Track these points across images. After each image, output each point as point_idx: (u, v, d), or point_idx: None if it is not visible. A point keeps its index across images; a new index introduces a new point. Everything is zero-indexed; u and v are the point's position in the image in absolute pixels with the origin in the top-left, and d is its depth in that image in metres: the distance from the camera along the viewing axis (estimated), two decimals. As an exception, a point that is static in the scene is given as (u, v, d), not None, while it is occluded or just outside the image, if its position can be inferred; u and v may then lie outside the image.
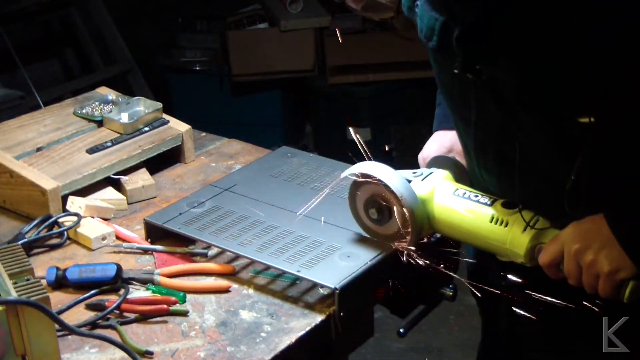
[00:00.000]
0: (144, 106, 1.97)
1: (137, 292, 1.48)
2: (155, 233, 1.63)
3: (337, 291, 1.38)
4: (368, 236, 1.52)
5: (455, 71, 1.29)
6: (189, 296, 1.46)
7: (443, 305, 1.64)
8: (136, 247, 1.61)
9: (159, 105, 1.98)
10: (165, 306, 1.41)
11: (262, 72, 4.26)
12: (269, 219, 1.60)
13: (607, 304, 1.39)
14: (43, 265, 1.55)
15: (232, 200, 1.68)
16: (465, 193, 1.44)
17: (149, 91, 4.06)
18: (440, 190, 1.46)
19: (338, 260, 1.47)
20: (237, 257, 1.55)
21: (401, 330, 1.55)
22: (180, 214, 1.63)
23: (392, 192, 1.43)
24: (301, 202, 1.64)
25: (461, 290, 1.60)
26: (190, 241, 1.61)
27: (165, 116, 1.98)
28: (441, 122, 1.66)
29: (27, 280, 1.26)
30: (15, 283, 1.25)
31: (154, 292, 1.47)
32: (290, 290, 1.48)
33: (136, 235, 1.65)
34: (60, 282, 1.49)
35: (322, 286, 1.44)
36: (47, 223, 1.65)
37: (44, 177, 1.72)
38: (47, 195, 1.68)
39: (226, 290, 1.48)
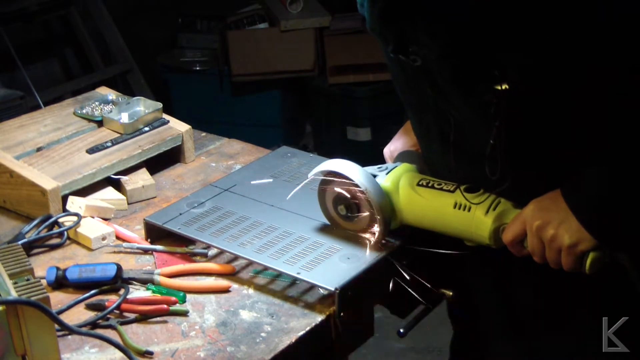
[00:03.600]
0: (144, 106, 1.97)
1: (137, 292, 1.48)
2: (155, 233, 1.63)
3: (337, 291, 1.38)
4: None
5: (391, 55, 1.37)
6: (189, 296, 1.46)
7: (443, 305, 1.64)
8: (136, 247, 1.61)
9: (159, 105, 1.98)
10: (165, 306, 1.41)
11: (262, 72, 4.26)
12: (268, 219, 1.60)
13: (607, 304, 1.40)
14: (43, 265, 1.55)
15: (232, 200, 1.68)
16: (429, 182, 1.48)
17: (149, 91, 4.06)
18: (405, 182, 1.50)
19: (338, 262, 1.47)
20: (237, 257, 1.55)
21: (401, 330, 1.56)
22: (180, 214, 1.63)
23: (357, 186, 1.47)
24: (301, 203, 1.64)
25: (461, 290, 1.60)
26: (190, 241, 1.61)
27: (165, 116, 1.98)
28: None
29: (27, 280, 1.26)
30: (15, 283, 1.25)
31: (154, 292, 1.47)
32: (290, 290, 1.48)
33: (136, 235, 1.65)
34: (60, 282, 1.49)
35: (323, 289, 1.44)
36: (47, 223, 1.65)
37: (44, 177, 1.72)
38: (47, 195, 1.68)
39: (226, 290, 1.48)
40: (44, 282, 1.44)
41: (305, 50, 4.24)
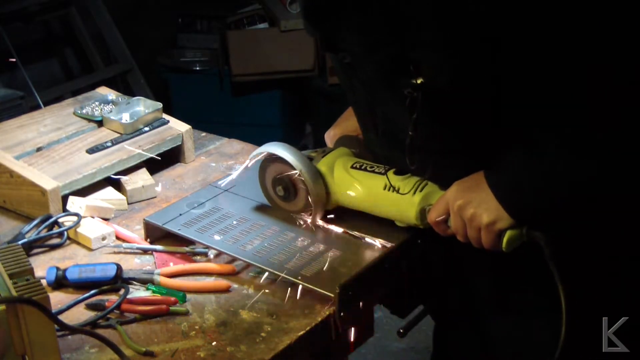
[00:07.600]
0: (144, 106, 1.97)
1: (137, 292, 1.48)
2: (155, 233, 1.63)
3: (337, 291, 1.38)
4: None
5: (323, 52, 1.41)
6: (189, 296, 1.46)
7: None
8: (136, 247, 1.61)
9: (159, 105, 1.98)
10: (165, 306, 1.41)
11: (262, 72, 4.26)
12: (268, 221, 1.60)
13: (607, 304, 1.40)
14: (43, 265, 1.55)
15: (232, 201, 1.68)
16: (362, 165, 1.55)
17: (149, 91, 4.06)
18: (339, 164, 1.57)
19: (338, 267, 1.46)
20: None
21: (401, 330, 1.56)
22: (180, 214, 1.63)
23: (293, 168, 1.54)
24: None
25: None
26: (190, 241, 1.60)
27: (165, 116, 1.98)
28: None
29: (27, 280, 1.26)
30: (15, 283, 1.24)
31: (154, 292, 1.47)
32: (290, 290, 1.48)
33: (136, 235, 1.65)
34: (60, 282, 1.49)
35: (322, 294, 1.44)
36: (47, 223, 1.65)
37: (44, 177, 1.72)
38: (47, 195, 1.68)
39: (226, 290, 1.48)
40: (44, 282, 1.44)
41: (305, 50, 4.24)
